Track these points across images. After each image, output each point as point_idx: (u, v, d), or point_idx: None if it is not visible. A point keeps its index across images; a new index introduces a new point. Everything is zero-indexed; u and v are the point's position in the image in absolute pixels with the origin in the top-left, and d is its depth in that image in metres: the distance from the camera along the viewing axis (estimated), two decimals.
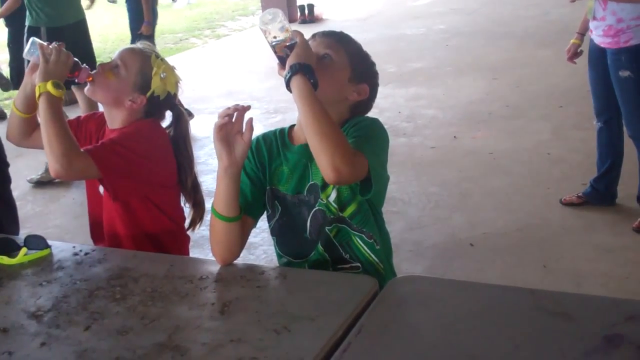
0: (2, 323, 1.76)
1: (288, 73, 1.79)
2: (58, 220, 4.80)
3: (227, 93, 7.54)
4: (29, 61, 2.31)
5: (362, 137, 1.89)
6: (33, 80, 2.25)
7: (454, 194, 4.60)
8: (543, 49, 8.01)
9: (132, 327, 1.70)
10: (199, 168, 5.21)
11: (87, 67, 2.33)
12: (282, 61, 1.86)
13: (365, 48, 2.08)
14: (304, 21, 11.60)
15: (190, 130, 2.48)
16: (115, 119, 2.37)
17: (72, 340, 1.67)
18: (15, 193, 5.31)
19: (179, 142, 2.41)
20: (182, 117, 2.45)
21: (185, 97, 8.18)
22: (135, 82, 2.32)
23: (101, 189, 2.36)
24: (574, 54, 4.31)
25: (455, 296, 1.77)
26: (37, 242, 2.14)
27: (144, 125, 2.35)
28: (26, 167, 5.73)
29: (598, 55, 3.95)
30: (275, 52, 1.86)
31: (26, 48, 2.29)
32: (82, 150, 2.16)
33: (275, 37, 1.84)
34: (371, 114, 2.09)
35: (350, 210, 1.98)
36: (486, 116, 6.00)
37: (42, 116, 2.12)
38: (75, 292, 1.89)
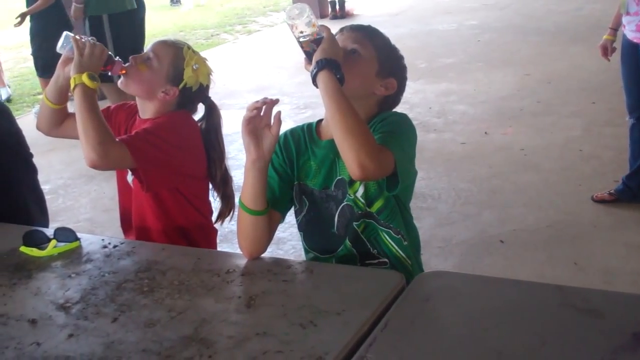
0: (30, 314, 1.79)
1: (314, 68, 1.78)
2: (88, 214, 4.85)
3: (257, 88, 7.56)
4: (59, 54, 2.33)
5: (389, 133, 1.87)
6: (65, 72, 2.28)
7: (484, 190, 4.57)
8: (575, 45, 7.92)
9: (159, 320, 1.71)
10: (229, 163, 5.29)
11: (120, 60, 2.35)
12: (308, 56, 1.85)
13: (396, 43, 2.07)
14: (334, 17, 11.57)
15: (222, 123, 2.48)
16: (147, 110, 2.39)
17: (99, 332, 1.68)
18: (47, 187, 5.41)
19: (210, 135, 2.42)
20: (214, 109, 2.46)
21: (216, 92, 8.20)
22: (168, 73, 2.33)
23: (129, 177, 2.38)
24: (608, 50, 4.25)
25: (482, 292, 1.76)
26: (66, 234, 2.16)
27: (177, 116, 2.36)
28: (59, 161, 5.81)
29: (631, 50, 3.90)
30: (302, 47, 1.85)
31: (60, 42, 2.31)
32: (117, 139, 2.18)
33: (302, 32, 1.82)
34: (401, 109, 2.08)
35: (377, 205, 1.97)
36: (517, 112, 5.95)
37: (77, 107, 2.14)
38: (104, 284, 1.90)
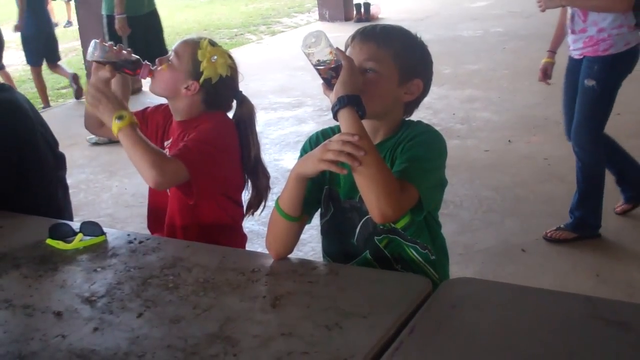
0: (56, 307, 1.79)
1: (336, 105, 1.74)
2: (110, 210, 4.86)
3: (280, 89, 7.57)
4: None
5: (416, 160, 1.83)
6: (100, 76, 2.31)
7: (507, 198, 4.54)
8: None
9: (184, 316, 1.71)
10: (264, 157, 5.30)
11: (148, 63, 2.37)
12: (326, 82, 1.81)
13: None
14: (359, 20, 11.57)
15: (255, 115, 2.49)
16: (178, 111, 2.42)
17: (124, 327, 1.68)
18: (69, 181, 5.40)
19: (240, 127, 2.43)
20: (245, 102, 2.47)
21: None
22: (188, 69, 2.36)
23: None
24: (547, 74, 4.27)
25: (509, 300, 1.74)
26: (92, 228, 2.17)
27: (215, 119, 2.39)
28: (81, 156, 5.84)
29: (575, 71, 3.87)
30: (319, 74, 1.81)
31: (89, 49, 2.34)
32: (169, 156, 2.21)
33: (319, 60, 1.77)
34: (424, 114, 2.05)
35: (403, 222, 1.93)
36: (542, 121, 5.91)
37: (124, 147, 2.17)
38: (129, 279, 1.91)
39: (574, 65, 3.90)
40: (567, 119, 4.08)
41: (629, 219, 4.13)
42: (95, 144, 5.89)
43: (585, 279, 3.54)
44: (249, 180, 2.49)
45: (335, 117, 1.76)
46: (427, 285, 1.79)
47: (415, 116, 2.06)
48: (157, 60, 2.39)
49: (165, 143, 2.48)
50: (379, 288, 1.81)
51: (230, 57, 2.42)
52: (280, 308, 1.73)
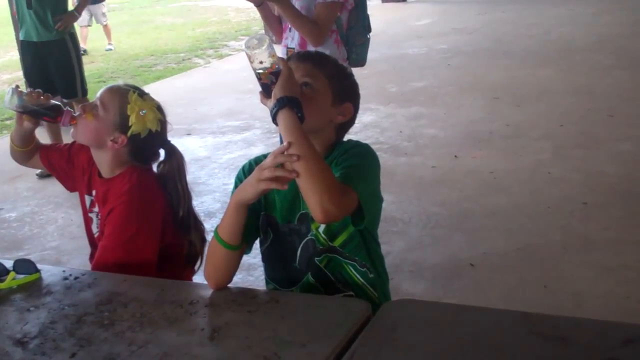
0: None
1: (275, 107, 1.75)
2: (55, 242, 4.77)
3: (228, 113, 7.53)
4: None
5: (352, 167, 1.85)
6: (25, 127, 2.38)
7: (455, 213, 4.57)
8: (544, 68, 8.01)
9: (119, 354, 1.67)
10: (199, 188, 5.28)
11: (70, 109, 2.32)
12: (265, 89, 1.81)
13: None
14: None
15: (185, 165, 2.42)
16: (102, 164, 2.36)
17: None
18: (13, 215, 5.34)
19: (169, 180, 2.36)
20: (174, 152, 2.40)
21: (186, 117, 8.19)
22: (115, 121, 2.28)
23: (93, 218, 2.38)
24: None
25: (449, 320, 1.74)
26: (26, 266, 2.11)
27: (136, 177, 2.32)
28: (26, 189, 5.73)
29: None
30: (259, 79, 1.81)
31: (6, 97, 2.29)
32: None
33: (261, 63, 1.78)
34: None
35: (341, 239, 1.95)
36: (487, 135, 5.98)
37: None
38: (63, 317, 1.86)
39: None
40: None
41: (574, 229, 4.18)
42: (45, 175, 5.74)
43: (533, 290, 3.57)
44: (184, 233, 2.40)
45: (274, 120, 1.76)
46: (366, 308, 1.78)
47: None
48: (80, 107, 2.33)
49: (90, 198, 2.44)
50: (318, 314, 1.79)
51: (160, 109, 2.35)
52: (218, 340, 1.70)
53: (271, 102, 1.77)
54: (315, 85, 1.93)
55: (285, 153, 1.71)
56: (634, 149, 5.34)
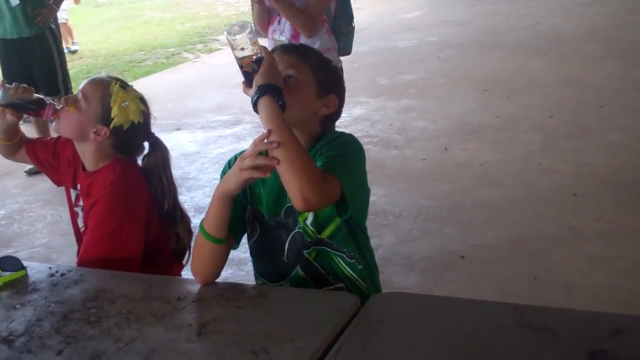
0: None
1: (255, 94, 1.74)
2: (45, 239, 4.75)
3: (218, 107, 7.51)
4: None
5: (335, 157, 1.84)
6: (8, 120, 2.38)
7: (445, 206, 4.56)
8: (534, 59, 8.00)
9: (105, 351, 1.66)
10: (189, 184, 5.25)
11: (52, 102, 2.31)
12: (247, 77, 1.80)
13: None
14: None
15: (170, 158, 2.41)
16: (86, 157, 2.35)
17: None
18: (1, 212, 5.32)
19: (153, 173, 2.36)
20: (158, 146, 2.39)
21: (175, 111, 8.14)
22: (97, 113, 2.28)
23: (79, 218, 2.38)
24: None
25: (437, 313, 1.73)
26: (12, 263, 2.10)
27: (119, 169, 2.31)
28: (15, 186, 5.71)
29: None
30: (241, 67, 1.80)
31: None
32: None
33: (243, 49, 1.77)
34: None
35: (329, 231, 1.94)
36: (477, 127, 5.97)
37: None
38: (50, 315, 1.84)
39: None
40: None
41: (565, 220, 4.17)
42: (34, 172, 5.70)
43: (523, 283, 3.56)
44: (171, 227, 2.39)
45: (255, 107, 1.75)
46: (355, 302, 1.77)
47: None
48: (62, 99, 2.32)
49: (76, 192, 2.43)
50: (307, 308, 1.78)
51: (142, 101, 2.34)
52: (206, 336, 1.69)
53: (252, 90, 1.76)
54: (299, 77, 1.92)
55: (266, 141, 1.70)
56: (625, 139, 5.34)
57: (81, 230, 2.43)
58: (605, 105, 6.12)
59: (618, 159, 4.99)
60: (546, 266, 3.71)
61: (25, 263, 2.11)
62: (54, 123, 2.35)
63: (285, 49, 1.98)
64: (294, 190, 1.69)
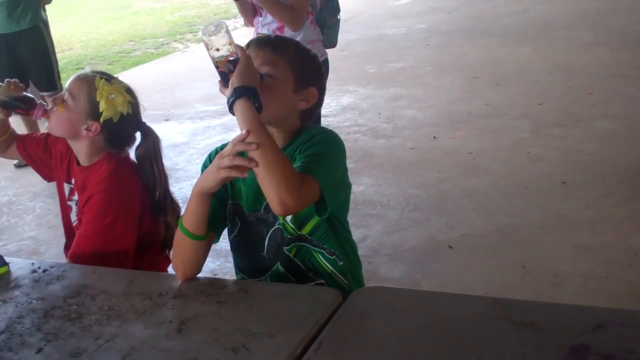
0: None
1: (231, 96, 1.72)
2: (33, 232, 4.73)
3: (206, 97, 7.47)
4: None
5: (314, 156, 1.82)
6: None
7: (433, 195, 4.55)
8: (523, 46, 7.99)
9: (85, 349, 1.65)
10: (177, 175, 5.23)
11: (43, 103, 2.31)
12: (223, 78, 1.78)
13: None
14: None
15: (160, 146, 2.41)
16: (80, 153, 2.36)
17: None
18: None
19: (145, 162, 2.36)
20: (149, 133, 2.40)
21: (164, 102, 8.10)
22: (85, 109, 2.28)
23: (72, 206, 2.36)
24: None
25: (418, 307, 1.73)
26: None
27: (114, 164, 2.33)
28: (4, 178, 5.68)
29: None
30: (217, 67, 1.78)
31: None
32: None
33: (218, 50, 1.75)
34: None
35: (309, 227, 1.92)
36: (466, 116, 5.96)
37: None
38: (31, 312, 1.83)
39: None
40: None
41: (553, 209, 4.17)
42: (22, 165, 5.65)
43: (511, 271, 3.57)
44: (160, 215, 2.39)
45: (231, 110, 1.73)
46: (336, 297, 1.77)
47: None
48: (51, 99, 2.32)
49: (70, 186, 2.43)
50: (288, 304, 1.77)
51: (129, 91, 2.34)
52: (186, 333, 1.68)
53: (228, 91, 1.74)
54: (275, 74, 1.88)
55: (244, 139, 1.69)
56: (614, 126, 5.33)
57: (74, 224, 2.43)
58: (594, 91, 6.12)
59: (607, 146, 4.99)
60: (534, 255, 3.72)
61: (7, 259, 2.10)
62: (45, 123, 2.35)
63: (260, 43, 1.94)
64: (271, 194, 1.67)
